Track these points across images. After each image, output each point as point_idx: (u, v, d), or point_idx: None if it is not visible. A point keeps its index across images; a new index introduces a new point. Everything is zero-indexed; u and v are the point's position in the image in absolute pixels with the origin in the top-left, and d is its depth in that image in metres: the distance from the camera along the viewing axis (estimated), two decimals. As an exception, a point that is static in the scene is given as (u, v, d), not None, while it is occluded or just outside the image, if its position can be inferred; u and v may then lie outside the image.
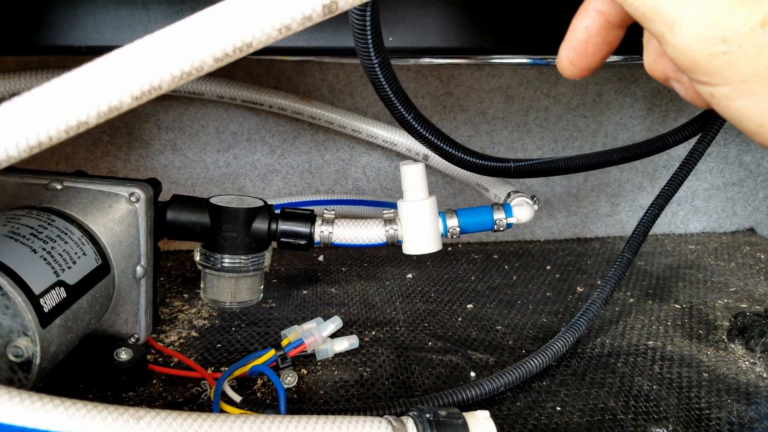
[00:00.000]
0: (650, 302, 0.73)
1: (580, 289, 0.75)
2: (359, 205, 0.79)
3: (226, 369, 0.51)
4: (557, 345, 0.56)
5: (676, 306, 0.72)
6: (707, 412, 0.51)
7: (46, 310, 0.39)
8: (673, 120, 0.91)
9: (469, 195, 0.88)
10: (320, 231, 0.56)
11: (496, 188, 0.66)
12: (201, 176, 0.82)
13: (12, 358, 0.37)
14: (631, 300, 0.73)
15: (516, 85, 0.85)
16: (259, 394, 0.50)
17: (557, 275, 0.79)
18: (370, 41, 0.39)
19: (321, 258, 0.81)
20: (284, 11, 0.27)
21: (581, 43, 0.28)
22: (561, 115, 0.88)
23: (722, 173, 0.96)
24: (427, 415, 0.37)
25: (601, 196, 0.94)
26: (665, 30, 0.23)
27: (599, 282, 0.77)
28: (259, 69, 0.78)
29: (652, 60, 0.27)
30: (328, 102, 0.80)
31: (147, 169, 0.81)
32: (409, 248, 0.56)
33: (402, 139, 0.75)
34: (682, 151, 0.69)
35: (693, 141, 0.65)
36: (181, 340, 0.58)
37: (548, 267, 0.82)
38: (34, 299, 0.38)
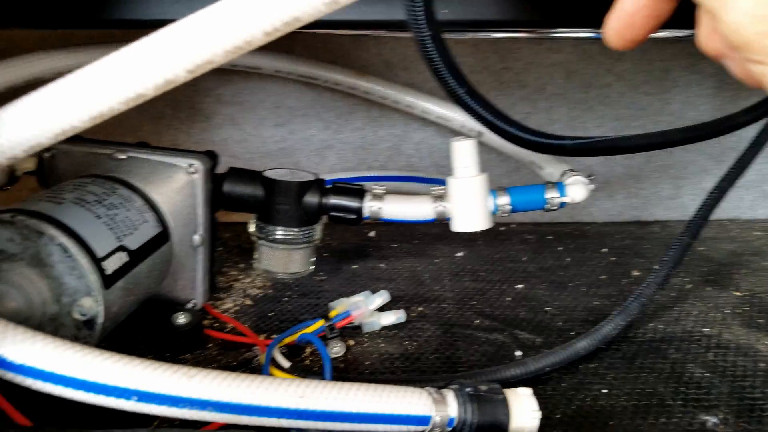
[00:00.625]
0: (709, 288, 0.70)
1: (636, 273, 0.74)
2: (411, 181, 0.80)
3: (277, 336, 0.52)
4: (607, 328, 0.55)
5: (737, 293, 0.70)
6: (761, 402, 0.49)
7: (108, 273, 0.41)
8: (744, 100, 0.87)
9: (524, 174, 0.87)
10: (369, 206, 0.57)
11: (551, 166, 0.65)
12: (258, 150, 0.84)
13: (77, 316, 0.39)
14: (689, 285, 0.71)
15: (577, 61, 0.83)
16: (307, 361, 0.52)
17: (613, 258, 0.78)
18: (420, 12, 0.39)
19: (372, 234, 0.82)
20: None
21: (629, 14, 0.27)
22: (623, 92, 0.85)
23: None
24: (468, 389, 0.37)
25: (663, 178, 0.91)
26: (718, 6, 0.22)
27: (657, 267, 0.75)
28: (316, 43, 0.79)
29: (704, 36, 0.26)
30: (383, 77, 0.80)
31: (207, 143, 0.84)
32: (458, 225, 0.56)
33: (456, 115, 0.75)
34: (751, 132, 0.66)
35: (764, 122, 0.62)
36: (236, 308, 0.60)
37: (604, 250, 0.80)
38: (97, 262, 0.40)
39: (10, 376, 0.33)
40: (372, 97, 0.76)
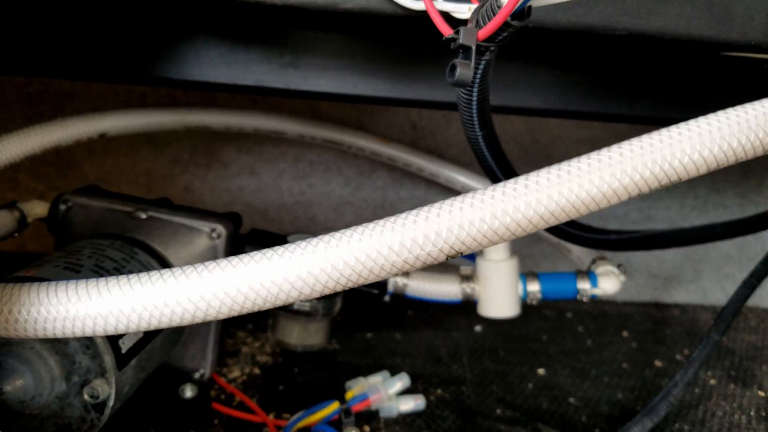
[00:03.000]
0: (732, 386, 0.68)
1: (659, 364, 0.71)
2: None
3: (288, 416, 0.50)
4: (634, 430, 0.52)
5: (761, 393, 0.67)
6: None
7: (123, 351, 0.38)
8: (770, 188, 0.86)
9: (546, 246, 0.85)
10: (394, 281, 0.55)
11: (579, 250, 0.63)
12: (275, 202, 0.82)
13: (87, 398, 0.36)
14: (712, 381, 0.68)
15: (606, 138, 0.81)
16: (319, 448, 0.49)
17: (634, 344, 0.75)
18: (475, 115, 0.37)
19: (386, 298, 0.79)
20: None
21: None
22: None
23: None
24: None
25: (684, 261, 0.89)
26: None
27: (678, 357, 0.73)
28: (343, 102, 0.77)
29: None
30: (409, 139, 0.79)
31: (223, 190, 0.82)
32: (486, 310, 0.54)
33: (481, 186, 0.73)
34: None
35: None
36: (244, 377, 0.57)
37: (625, 333, 0.78)
38: (113, 340, 0.38)
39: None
40: (396, 163, 0.74)
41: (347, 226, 0.89)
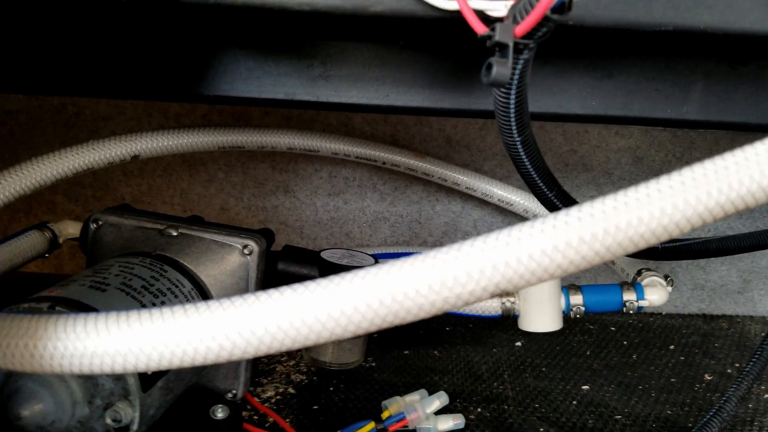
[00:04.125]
0: (790, 401, 0.64)
1: (708, 377, 0.67)
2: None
3: (324, 438, 0.48)
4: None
5: (822, 409, 0.63)
6: None
7: (149, 373, 0.37)
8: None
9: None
10: (431, 297, 0.53)
11: (624, 262, 0.60)
12: (310, 219, 0.82)
13: (110, 422, 0.35)
14: (766, 395, 0.64)
15: (647, 147, 0.79)
16: (356, 470, 0.47)
17: (682, 357, 0.72)
18: (513, 119, 0.35)
19: (423, 314, 0.77)
20: None
21: None
22: (695, 180, 0.80)
23: None
24: None
25: (732, 270, 0.85)
26: None
27: (729, 371, 0.69)
28: (377, 116, 0.76)
29: None
30: (443, 153, 0.77)
31: (258, 209, 0.81)
32: (527, 325, 0.52)
33: (519, 199, 0.71)
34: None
35: None
36: (278, 397, 0.56)
37: (671, 347, 0.74)
38: (141, 359, 0.37)
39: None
40: (431, 178, 0.73)
41: (383, 242, 0.88)
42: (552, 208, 0.45)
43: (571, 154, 0.78)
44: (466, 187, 0.73)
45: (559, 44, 0.40)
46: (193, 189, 0.80)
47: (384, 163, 0.72)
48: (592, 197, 0.80)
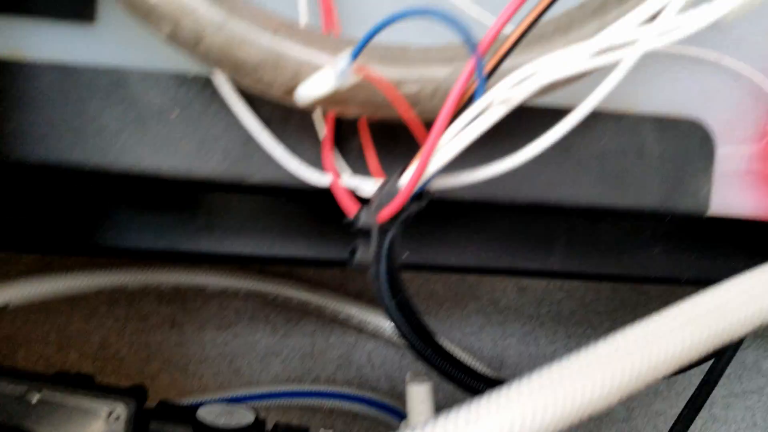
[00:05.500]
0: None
1: None
2: (361, 402, 0.74)
3: None
4: None
5: None
6: None
7: None
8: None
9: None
10: None
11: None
12: (196, 355, 0.78)
13: None
14: None
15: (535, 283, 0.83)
16: None
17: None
18: (385, 287, 0.36)
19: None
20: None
21: None
22: (575, 310, 0.85)
23: (740, 380, 0.91)
24: None
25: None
26: None
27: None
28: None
29: None
30: (338, 279, 0.77)
31: (141, 345, 0.77)
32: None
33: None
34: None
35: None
36: None
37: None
38: None
39: None
40: (325, 311, 0.73)
41: (275, 378, 0.85)
42: (434, 366, 0.45)
43: (460, 282, 0.81)
44: (359, 321, 0.73)
45: (432, 210, 0.43)
46: (71, 324, 0.76)
47: (275, 298, 0.72)
48: (481, 326, 0.82)
